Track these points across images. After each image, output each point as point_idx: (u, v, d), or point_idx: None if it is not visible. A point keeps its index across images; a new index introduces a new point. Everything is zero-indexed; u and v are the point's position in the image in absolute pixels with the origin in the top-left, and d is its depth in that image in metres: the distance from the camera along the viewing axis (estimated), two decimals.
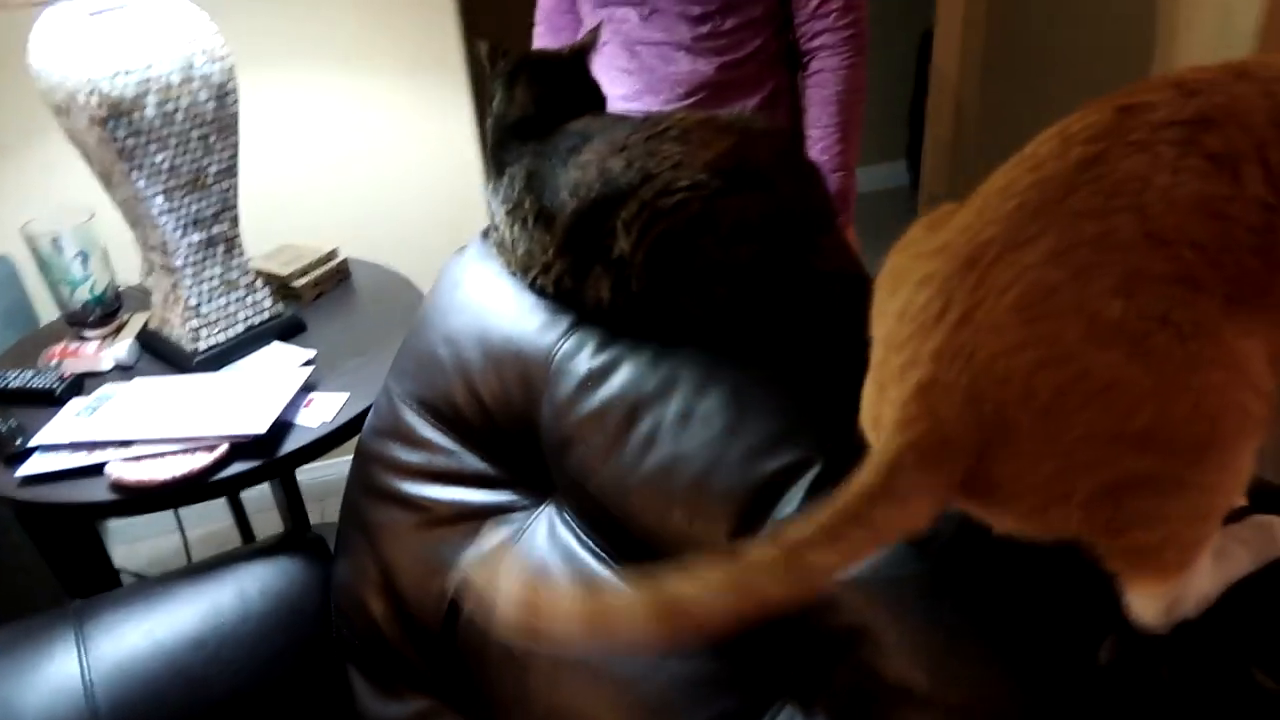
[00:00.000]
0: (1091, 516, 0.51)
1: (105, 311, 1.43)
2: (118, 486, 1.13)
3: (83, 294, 1.39)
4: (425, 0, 1.75)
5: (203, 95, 1.21)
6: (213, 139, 1.25)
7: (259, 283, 1.39)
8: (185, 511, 1.78)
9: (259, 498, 1.95)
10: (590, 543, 0.91)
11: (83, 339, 1.42)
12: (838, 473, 0.72)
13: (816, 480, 0.73)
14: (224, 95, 1.24)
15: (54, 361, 1.36)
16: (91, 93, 1.13)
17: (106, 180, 1.25)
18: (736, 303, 0.84)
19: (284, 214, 1.78)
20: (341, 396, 1.25)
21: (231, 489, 1.16)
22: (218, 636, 1.06)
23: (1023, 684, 0.59)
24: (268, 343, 1.38)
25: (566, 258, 0.90)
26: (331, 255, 1.55)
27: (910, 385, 0.51)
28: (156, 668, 1.03)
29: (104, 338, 1.42)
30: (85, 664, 1.01)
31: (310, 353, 1.35)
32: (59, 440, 1.19)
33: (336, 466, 1.95)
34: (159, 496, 1.14)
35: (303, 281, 1.49)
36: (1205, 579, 0.56)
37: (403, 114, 1.83)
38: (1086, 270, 0.48)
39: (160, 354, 1.37)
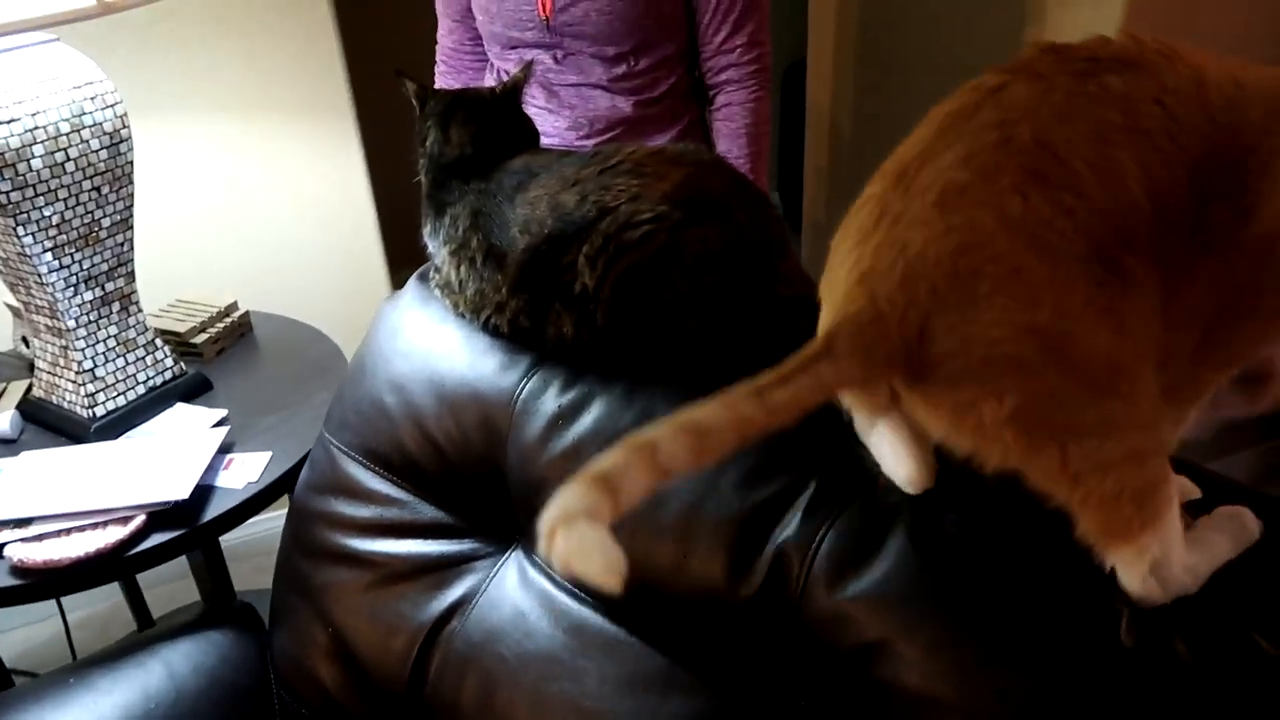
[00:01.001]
0: (1034, 448, 0.57)
1: None
2: (21, 570, 1.03)
3: None
4: (311, 47, 1.70)
5: (95, 144, 1.14)
6: (105, 190, 1.17)
7: (158, 341, 1.30)
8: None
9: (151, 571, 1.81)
10: (568, 586, 0.89)
11: None
12: (833, 491, 0.74)
13: (812, 501, 0.73)
14: (117, 143, 1.16)
15: None
16: None
17: None
18: (705, 333, 0.84)
19: (174, 267, 1.67)
20: (264, 456, 1.18)
21: (152, 562, 1.07)
22: None
23: (1041, 679, 0.61)
24: (171, 404, 1.29)
25: (522, 296, 0.89)
26: (232, 308, 1.47)
27: (854, 277, 0.59)
28: None
29: None
30: None
31: (221, 412, 1.27)
32: None
33: (257, 524, 1.84)
34: (70, 577, 1.04)
35: (203, 338, 1.41)
36: (1192, 555, 0.60)
37: (293, 160, 1.76)
38: (990, 171, 0.56)
39: (49, 424, 1.26)
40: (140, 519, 1.07)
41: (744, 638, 0.77)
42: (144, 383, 1.28)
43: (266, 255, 1.75)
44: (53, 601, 1.56)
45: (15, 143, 1.06)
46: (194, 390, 1.32)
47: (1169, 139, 0.57)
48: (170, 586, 1.85)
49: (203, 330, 1.42)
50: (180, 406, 1.29)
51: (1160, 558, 0.59)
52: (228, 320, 1.46)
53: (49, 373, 1.26)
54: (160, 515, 1.09)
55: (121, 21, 1.51)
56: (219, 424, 1.25)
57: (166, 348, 1.31)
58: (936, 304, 0.56)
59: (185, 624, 1.10)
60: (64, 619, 1.66)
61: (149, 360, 1.28)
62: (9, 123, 1.06)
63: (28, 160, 1.08)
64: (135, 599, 1.64)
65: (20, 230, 1.10)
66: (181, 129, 1.64)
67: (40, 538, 1.06)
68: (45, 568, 1.03)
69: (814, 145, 2.49)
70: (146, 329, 1.28)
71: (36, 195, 1.10)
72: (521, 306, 0.89)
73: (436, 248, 0.98)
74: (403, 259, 1.76)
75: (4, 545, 1.05)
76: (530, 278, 0.87)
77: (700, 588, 0.78)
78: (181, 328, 1.40)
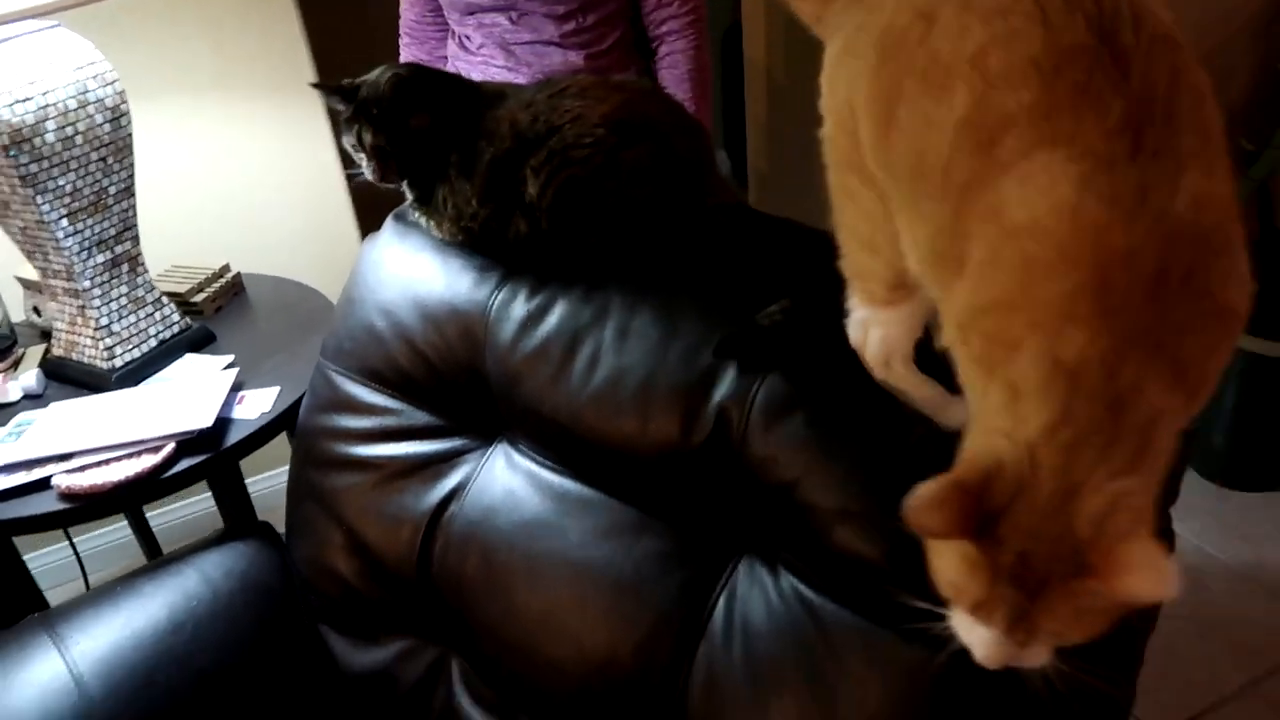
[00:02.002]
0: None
1: (2, 347, 1.43)
2: (69, 495, 1.17)
3: None
4: (274, 29, 1.82)
5: (99, 118, 1.27)
6: (110, 160, 1.30)
7: (164, 298, 1.43)
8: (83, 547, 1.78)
9: (166, 531, 1.94)
10: (549, 463, 1.04)
11: None
12: (764, 354, 0.90)
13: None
14: (118, 117, 1.29)
15: None
16: None
17: (3, 209, 1.27)
18: (640, 237, 1.00)
19: (164, 238, 1.80)
20: (273, 390, 1.33)
21: (184, 484, 1.22)
22: (193, 618, 1.12)
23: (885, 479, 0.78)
24: (181, 355, 1.43)
25: (488, 205, 1.03)
26: (225, 270, 1.61)
27: None
28: (140, 653, 1.08)
29: (2, 373, 1.43)
30: (69, 659, 1.05)
31: (228, 358, 1.41)
32: None
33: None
34: (112, 500, 1.18)
35: (201, 297, 1.54)
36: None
37: (264, 136, 1.89)
38: None
39: (71, 379, 1.39)
40: (170, 447, 1.22)
41: (697, 485, 0.94)
42: (155, 336, 1.41)
43: (247, 223, 1.88)
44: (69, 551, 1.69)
45: (30, 119, 1.19)
46: (200, 342, 1.46)
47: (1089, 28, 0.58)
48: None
49: (200, 290, 1.55)
50: (190, 356, 1.43)
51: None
52: (222, 281, 1.59)
53: (68, 332, 1.39)
54: (187, 444, 1.23)
55: (95, 12, 1.63)
56: (228, 367, 1.39)
57: (171, 304, 1.44)
58: None
59: (212, 539, 1.24)
60: (83, 573, 1.80)
61: (157, 316, 1.42)
62: (24, 101, 1.19)
63: (42, 135, 1.21)
64: (149, 542, 1.78)
65: (39, 199, 1.23)
66: (158, 111, 1.75)
67: (82, 468, 1.20)
68: (90, 492, 1.17)
69: (753, 99, 2.66)
70: (153, 288, 1.42)
71: (51, 167, 1.23)
72: (488, 214, 1.03)
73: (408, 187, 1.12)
74: (371, 220, 1.90)
75: (50, 477, 1.19)
76: (493, 188, 1.02)
77: (659, 446, 0.94)
78: (182, 289, 1.53)
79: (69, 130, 1.23)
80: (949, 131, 0.58)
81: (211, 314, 1.55)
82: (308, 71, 1.90)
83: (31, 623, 1.11)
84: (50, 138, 1.21)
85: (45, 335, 1.53)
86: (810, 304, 0.88)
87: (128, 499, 1.19)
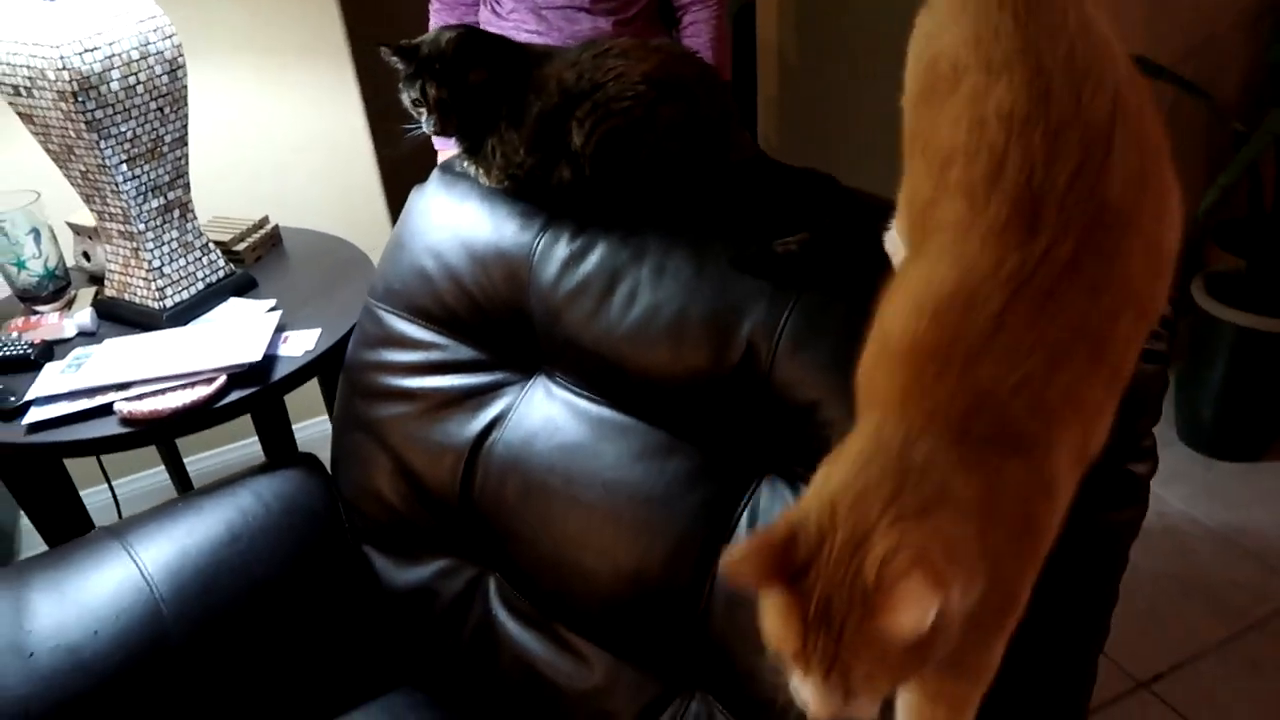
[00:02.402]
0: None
1: (56, 287, 1.51)
2: (130, 420, 1.25)
3: (36, 269, 1.47)
4: None
5: (158, 69, 1.34)
6: (167, 110, 1.37)
7: (210, 244, 1.51)
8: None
9: (202, 477, 2.02)
10: (586, 393, 1.13)
11: (36, 313, 1.50)
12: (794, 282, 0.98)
13: (775, 292, 0.98)
14: (175, 70, 1.37)
15: (15, 334, 1.44)
16: (62, 69, 1.24)
17: (66, 155, 1.35)
18: (672, 186, 1.08)
19: (203, 190, 1.88)
20: (315, 331, 1.41)
21: (234, 414, 1.30)
22: (248, 532, 1.21)
23: None
24: (226, 299, 1.51)
25: (535, 155, 1.11)
26: (264, 222, 1.69)
27: None
28: (202, 560, 1.16)
29: (58, 311, 1.50)
30: (140, 563, 1.13)
31: (271, 302, 1.49)
32: (54, 392, 1.29)
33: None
34: (169, 426, 1.26)
35: (243, 246, 1.62)
36: None
37: (297, 98, 1.97)
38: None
39: (123, 318, 1.47)
40: (222, 379, 1.30)
41: (725, 409, 1.02)
42: (202, 279, 1.49)
43: (281, 179, 1.96)
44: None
45: (97, 68, 1.27)
46: (243, 287, 1.54)
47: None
48: None
49: (242, 240, 1.63)
50: (234, 300, 1.51)
51: None
52: (261, 232, 1.67)
53: (120, 274, 1.47)
54: (237, 377, 1.31)
55: None
56: (271, 310, 1.47)
57: (218, 250, 1.52)
58: None
59: (260, 468, 1.32)
60: (119, 516, 1.88)
61: (204, 261, 1.50)
62: (92, 50, 1.26)
63: (107, 83, 1.28)
64: (185, 486, 1.86)
65: (102, 144, 1.31)
66: (197, 69, 1.83)
67: (141, 396, 1.28)
68: (150, 418, 1.25)
69: (765, 78, 2.74)
70: (201, 234, 1.49)
71: (115, 114, 1.30)
72: (534, 162, 1.12)
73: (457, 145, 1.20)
74: (394, 184, 1.99)
75: (111, 404, 1.27)
76: (540, 138, 1.10)
77: (691, 374, 1.02)
78: (224, 238, 1.61)
79: (131, 80, 1.31)
80: (921, 193, 0.68)
81: (252, 263, 1.63)
82: (339, 36, 1.97)
83: (102, 533, 1.19)
84: (114, 86, 1.29)
85: (94, 279, 1.60)
86: (825, 239, 0.96)
87: (183, 426, 1.27)
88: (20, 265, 1.47)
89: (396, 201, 1.66)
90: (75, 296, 1.55)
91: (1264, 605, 1.79)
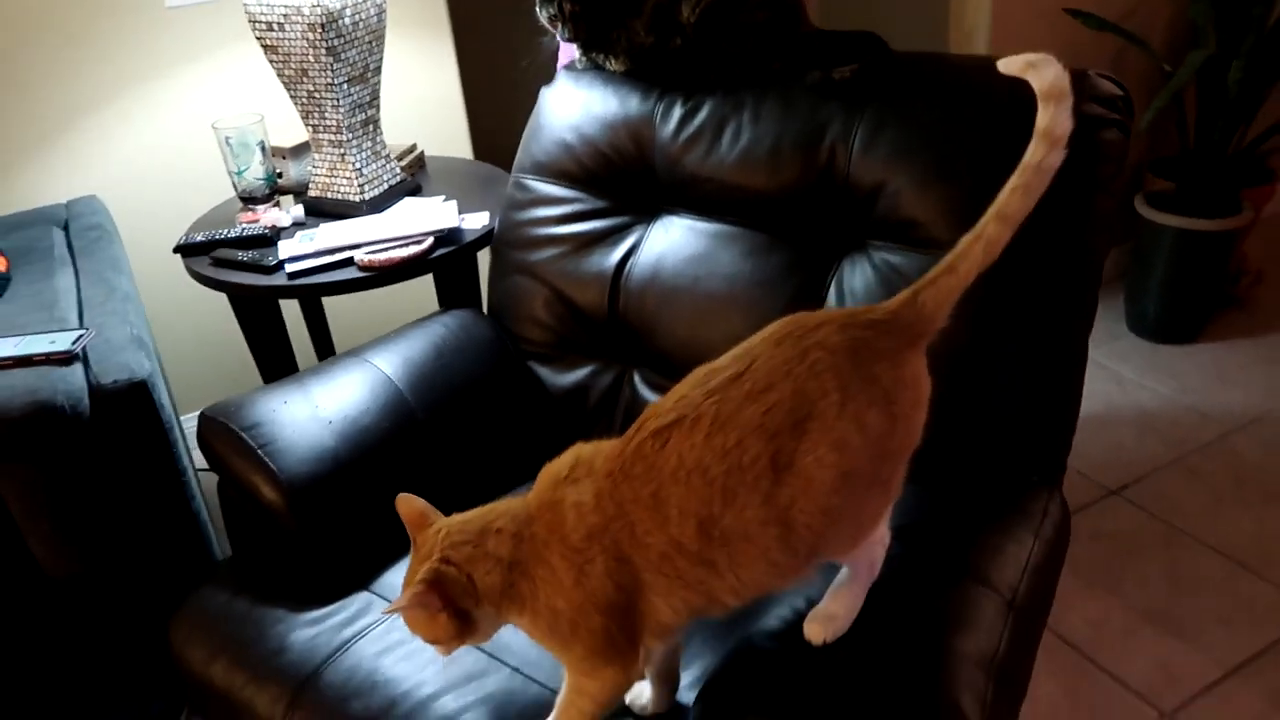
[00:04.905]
0: None
1: (271, 190, 1.91)
2: (368, 267, 1.66)
3: (259, 174, 1.88)
4: None
5: (371, 10, 1.77)
6: (373, 43, 1.80)
7: (390, 155, 1.93)
8: None
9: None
10: (703, 218, 1.53)
11: (252, 210, 1.90)
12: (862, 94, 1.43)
13: (848, 104, 1.43)
14: (381, 11, 1.80)
15: (245, 223, 1.84)
16: (316, 5, 1.66)
17: (299, 77, 1.76)
18: (757, 50, 1.51)
19: None
20: (484, 214, 1.83)
21: (442, 266, 1.72)
22: (446, 348, 1.55)
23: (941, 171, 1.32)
24: (401, 199, 1.93)
25: (653, 34, 1.54)
26: (414, 148, 2.11)
27: None
28: (420, 366, 1.50)
29: (274, 206, 1.91)
30: (380, 366, 1.51)
31: (443, 195, 1.91)
32: (300, 253, 1.70)
33: None
34: (398, 272, 1.68)
35: (402, 164, 2.04)
36: None
37: (403, 64, 2.39)
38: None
39: (325, 212, 1.88)
40: (429, 240, 1.72)
41: (813, 211, 1.43)
42: (386, 182, 1.91)
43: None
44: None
45: (337, 6, 1.69)
46: (412, 190, 1.96)
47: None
48: None
49: (400, 160, 2.05)
50: (408, 199, 1.93)
51: None
52: (412, 155, 2.09)
53: (326, 176, 1.88)
54: (439, 240, 1.73)
55: None
56: (446, 200, 1.89)
57: (395, 160, 1.94)
58: None
59: (441, 311, 1.72)
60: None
61: (387, 167, 1.92)
62: None
63: (343, 18, 1.71)
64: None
65: (335, 66, 1.73)
66: None
67: (372, 251, 1.69)
68: (384, 265, 1.66)
69: None
70: (385, 146, 1.91)
71: (346, 44, 1.73)
72: (654, 40, 1.53)
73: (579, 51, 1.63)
74: (481, 134, 2.41)
75: (351, 259, 1.68)
76: (656, 20, 1.52)
77: (787, 186, 1.44)
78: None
79: (358, 16, 1.73)
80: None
81: (408, 177, 2.05)
82: (442, 12, 2.40)
83: (344, 353, 1.59)
84: (347, 20, 1.72)
85: (284, 191, 2.01)
86: (874, 68, 1.41)
87: (407, 272, 1.68)
88: (243, 172, 1.88)
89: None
90: (279, 200, 1.96)
91: (1204, 434, 2.29)
